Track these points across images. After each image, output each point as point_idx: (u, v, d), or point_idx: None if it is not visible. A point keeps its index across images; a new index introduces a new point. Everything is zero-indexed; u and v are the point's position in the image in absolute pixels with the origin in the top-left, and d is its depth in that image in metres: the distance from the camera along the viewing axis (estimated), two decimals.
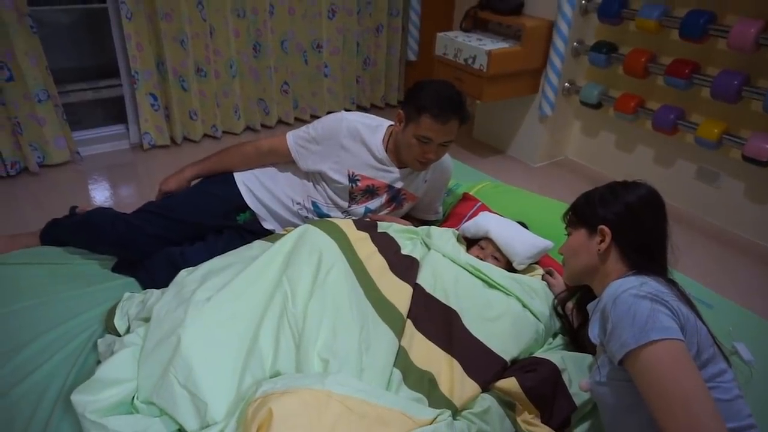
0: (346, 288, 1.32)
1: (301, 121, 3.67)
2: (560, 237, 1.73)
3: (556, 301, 1.47)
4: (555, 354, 1.33)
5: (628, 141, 3.08)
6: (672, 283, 1.08)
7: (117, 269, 1.70)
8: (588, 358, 1.32)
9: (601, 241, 1.12)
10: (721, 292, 1.85)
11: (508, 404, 1.25)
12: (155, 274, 1.62)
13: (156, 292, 1.45)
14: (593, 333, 1.08)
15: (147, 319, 1.32)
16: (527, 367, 1.29)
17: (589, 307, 1.19)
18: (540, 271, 1.67)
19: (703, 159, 2.75)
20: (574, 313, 1.44)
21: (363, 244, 1.50)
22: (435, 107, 1.57)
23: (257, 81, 3.38)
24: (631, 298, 0.96)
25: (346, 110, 3.75)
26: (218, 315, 1.24)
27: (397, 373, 1.23)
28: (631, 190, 1.14)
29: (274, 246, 1.42)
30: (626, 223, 1.12)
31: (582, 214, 1.19)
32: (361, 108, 3.96)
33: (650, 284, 1.00)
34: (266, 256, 1.39)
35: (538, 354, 1.38)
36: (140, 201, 1.73)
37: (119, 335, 1.37)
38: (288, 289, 1.29)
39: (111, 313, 1.45)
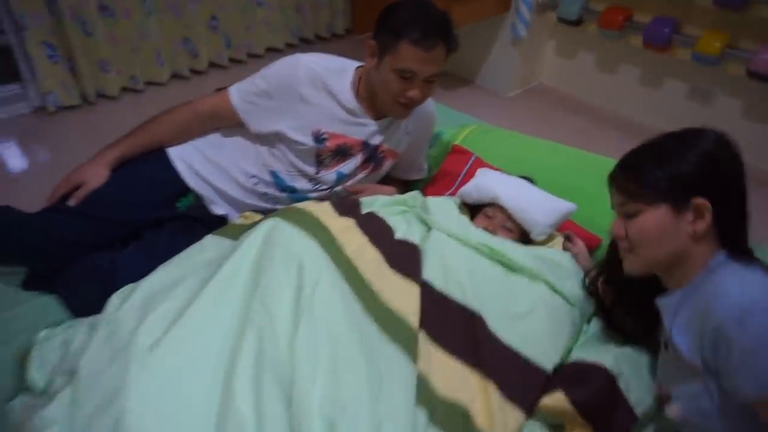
0: (340, 307, 1.00)
1: (236, 63, 3.19)
2: (578, 191, 1.48)
3: (587, 280, 1.21)
4: (605, 354, 1.08)
5: (611, 60, 2.81)
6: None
7: (29, 285, 1.33)
8: (644, 355, 1.09)
9: (696, 219, 0.84)
10: None
11: (554, 425, 1.01)
12: (81, 291, 1.28)
13: (81, 329, 1.10)
14: (685, 346, 0.83)
15: (73, 373, 0.97)
16: (575, 376, 1.05)
17: (663, 304, 0.93)
18: (559, 238, 1.40)
19: (697, 77, 2.52)
20: (602, 290, 1.18)
21: (349, 235, 1.17)
22: (416, 31, 1.28)
23: (179, 18, 2.84)
24: None
25: (288, 45, 3.36)
26: (172, 368, 0.91)
27: (422, 415, 0.94)
28: (705, 138, 0.87)
29: (234, 255, 1.07)
30: (721, 186, 0.86)
31: (658, 183, 0.87)
32: (304, 41, 3.49)
33: None
34: (226, 270, 1.04)
35: (579, 351, 1.14)
36: (53, 179, 1.35)
37: (43, 391, 1.02)
38: (263, 319, 0.96)
39: (24, 361, 1.09)
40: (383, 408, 0.90)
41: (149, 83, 2.89)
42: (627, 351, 1.09)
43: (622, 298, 1.10)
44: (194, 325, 0.96)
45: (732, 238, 0.86)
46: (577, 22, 2.68)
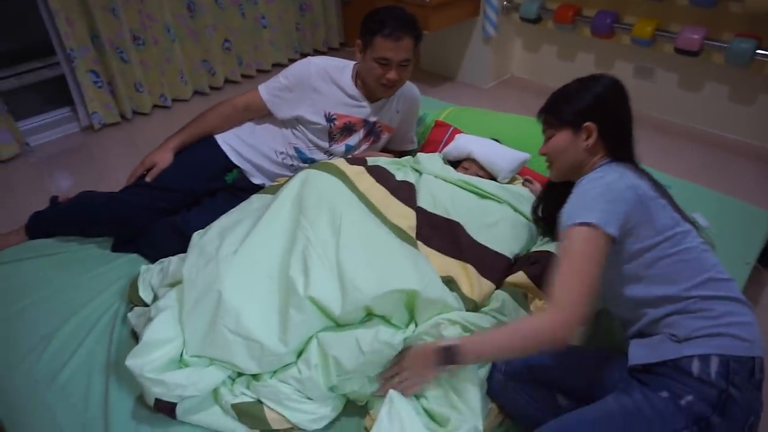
0: (366, 216, 1.40)
1: (248, 78, 3.61)
2: (532, 148, 1.89)
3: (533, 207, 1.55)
4: (552, 246, 1.49)
5: (569, 50, 3.21)
6: (642, 172, 1.18)
7: (117, 248, 1.72)
8: None
9: (588, 137, 1.19)
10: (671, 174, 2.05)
11: (521, 297, 1.39)
12: (160, 245, 1.65)
13: (173, 259, 1.49)
14: None
15: (173, 284, 1.38)
16: (531, 260, 1.45)
17: None
18: (520, 180, 1.81)
19: (639, 57, 2.92)
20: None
21: (361, 177, 1.58)
22: (386, 27, 1.64)
23: (198, 42, 3.28)
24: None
25: (291, 60, 3.79)
26: (248, 263, 1.31)
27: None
28: (599, 83, 1.21)
29: (280, 195, 1.48)
30: (605, 114, 1.18)
31: (562, 114, 1.23)
32: (305, 55, 3.78)
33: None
34: (275, 205, 1.44)
35: (536, 249, 1.54)
36: (103, 183, 1.66)
37: (146, 305, 1.43)
38: (309, 228, 1.34)
39: (133, 287, 1.49)
40: (421, 261, 1.31)
41: (176, 100, 3.31)
42: None
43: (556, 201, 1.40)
44: (259, 238, 1.36)
45: (616, 151, 1.19)
46: (537, 20, 3.11)
